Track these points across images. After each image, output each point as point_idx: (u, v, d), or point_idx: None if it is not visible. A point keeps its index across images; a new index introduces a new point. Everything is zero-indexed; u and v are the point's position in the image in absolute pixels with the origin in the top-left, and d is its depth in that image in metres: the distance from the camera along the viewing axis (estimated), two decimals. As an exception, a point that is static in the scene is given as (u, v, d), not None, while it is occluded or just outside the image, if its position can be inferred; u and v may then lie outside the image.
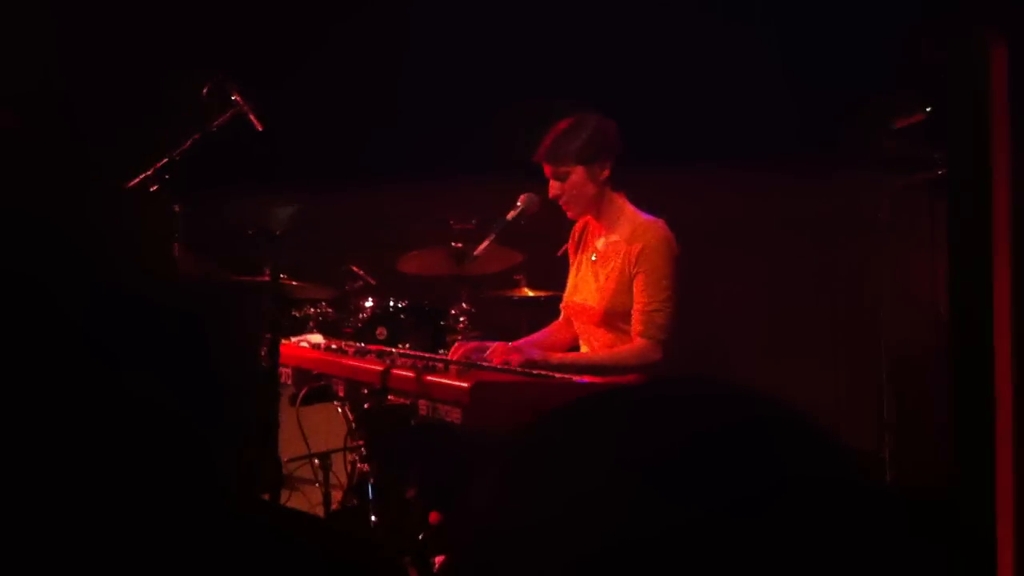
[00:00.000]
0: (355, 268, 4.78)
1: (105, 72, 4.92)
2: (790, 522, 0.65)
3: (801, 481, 0.68)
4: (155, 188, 3.70)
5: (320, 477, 4.17)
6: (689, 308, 3.62)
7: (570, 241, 3.91)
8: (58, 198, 0.77)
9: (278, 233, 3.52)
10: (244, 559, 0.78)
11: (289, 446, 4.04)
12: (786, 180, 4.88)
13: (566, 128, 3.67)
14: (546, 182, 3.71)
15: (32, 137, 0.80)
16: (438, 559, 3.33)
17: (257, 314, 3.54)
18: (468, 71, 5.18)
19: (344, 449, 3.90)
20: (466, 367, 3.34)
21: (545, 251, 4.20)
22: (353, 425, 3.83)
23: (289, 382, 3.88)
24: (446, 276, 4.45)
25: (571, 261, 3.90)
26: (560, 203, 3.71)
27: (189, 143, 3.80)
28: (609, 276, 3.67)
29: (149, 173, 3.71)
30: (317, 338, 4.22)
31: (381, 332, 4.46)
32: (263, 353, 3.34)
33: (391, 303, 4.54)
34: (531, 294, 4.80)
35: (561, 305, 3.94)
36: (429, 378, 3.21)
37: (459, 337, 4.17)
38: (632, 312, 3.60)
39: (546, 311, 4.24)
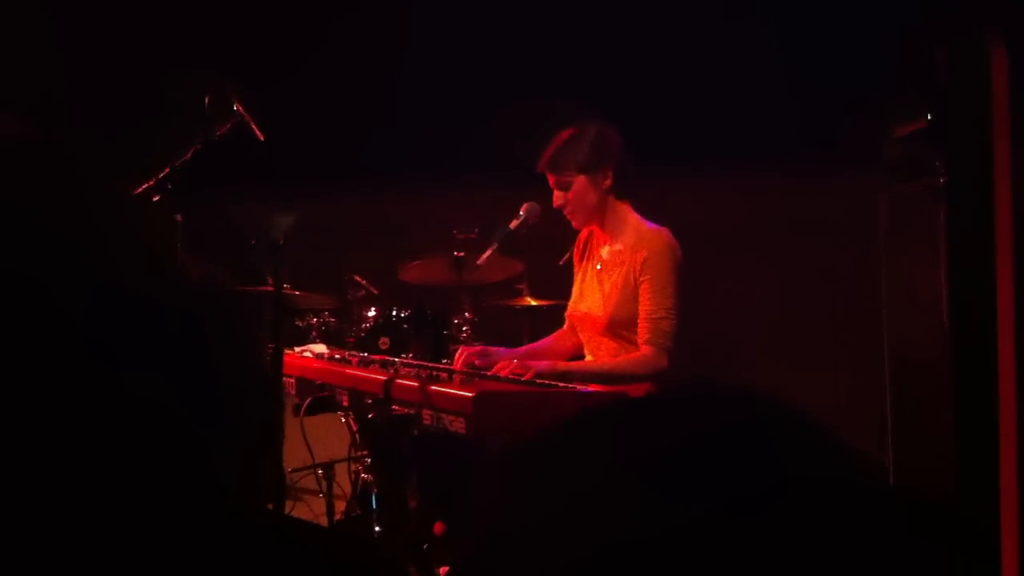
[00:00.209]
0: (358, 278, 4.78)
1: (105, 72, 4.92)
2: (791, 523, 0.65)
3: (802, 482, 0.67)
4: (157, 198, 3.70)
5: (324, 487, 4.17)
6: (691, 309, 3.61)
7: (575, 250, 3.91)
8: (59, 198, 0.77)
9: (281, 242, 3.51)
10: (246, 562, 0.78)
11: (293, 456, 4.05)
12: (788, 181, 4.88)
13: (567, 138, 3.70)
14: (548, 186, 3.72)
15: (33, 137, 0.80)
16: (442, 570, 3.32)
17: (260, 318, 3.53)
18: (469, 72, 5.18)
19: (348, 459, 3.90)
20: (470, 377, 3.34)
21: (547, 260, 4.20)
22: (357, 435, 3.83)
23: (293, 392, 3.88)
24: (448, 285, 4.45)
25: (576, 270, 3.90)
26: (565, 212, 3.73)
27: (191, 153, 3.79)
28: (614, 285, 3.67)
29: (151, 183, 3.70)
30: (320, 348, 4.22)
31: (384, 342, 4.45)
32: (266, 356, 3.33)
33: (394, 312, 4.53)
34: (533, 303, 4.80)
35: (566, 314, 3.94)
36: (433, 388, 3.20)
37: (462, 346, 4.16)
38: (637, 320, 3.60)
39: (548, 320, 4.24)
